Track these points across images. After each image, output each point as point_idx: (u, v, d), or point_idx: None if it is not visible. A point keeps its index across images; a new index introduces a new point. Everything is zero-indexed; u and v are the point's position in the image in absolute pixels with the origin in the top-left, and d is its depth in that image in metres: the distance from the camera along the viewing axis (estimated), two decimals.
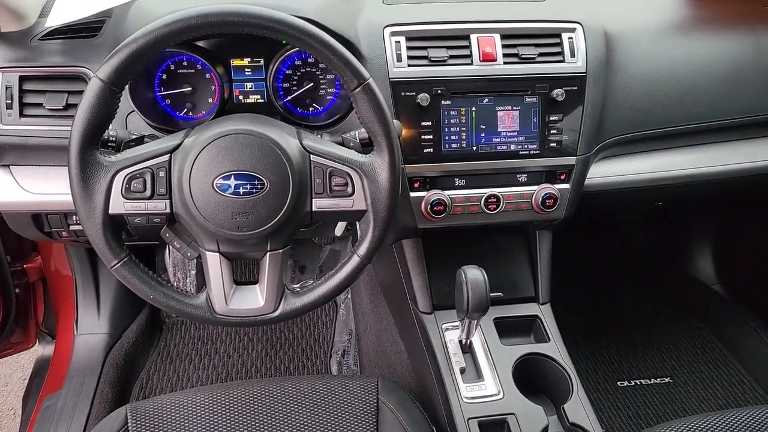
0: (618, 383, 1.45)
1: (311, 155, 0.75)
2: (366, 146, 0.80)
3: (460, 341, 1.03)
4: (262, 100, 1.00)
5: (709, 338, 1.56)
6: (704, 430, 0.89)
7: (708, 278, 1.66)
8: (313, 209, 0.75)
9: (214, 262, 0.75)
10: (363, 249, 0.78)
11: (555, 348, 1.03)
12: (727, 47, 1.12)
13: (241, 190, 0.71)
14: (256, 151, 0.71)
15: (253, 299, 0.78)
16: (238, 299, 0.77)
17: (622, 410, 1.39)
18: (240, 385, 0.94)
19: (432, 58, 0.96)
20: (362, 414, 0.91)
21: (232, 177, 0.70)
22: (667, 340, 1.57)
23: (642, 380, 1.46)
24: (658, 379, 1.46)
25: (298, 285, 1.71)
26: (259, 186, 0.71)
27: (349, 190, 0.75)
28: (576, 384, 0.97)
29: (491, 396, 0.95)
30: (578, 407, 0.94)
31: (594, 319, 1.64)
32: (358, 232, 0.80)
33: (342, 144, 0.82)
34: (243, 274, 1.71)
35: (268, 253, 0.76)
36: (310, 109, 1.01)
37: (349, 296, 1.60)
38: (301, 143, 0.75)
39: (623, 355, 1.53)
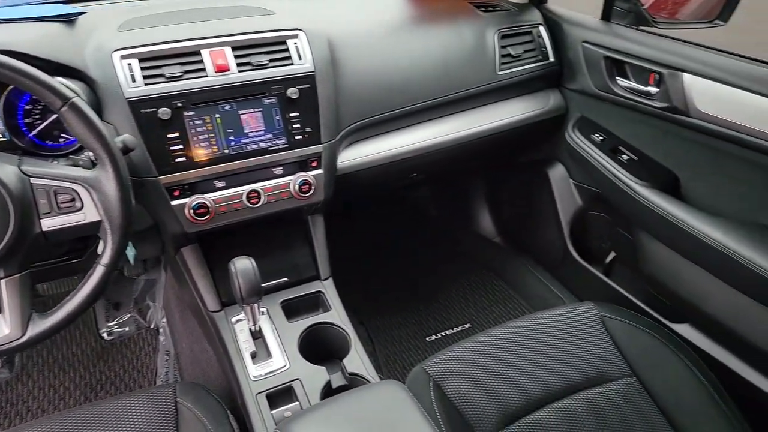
0: (426, 338, 1.63)
1: (31, 178, 0.78)
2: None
3: (251, 329, 1.11)
4: (5, 139, 1.00)
5: (498, 283, 1.81)
6: (473, 346, 1.06)
7: (490, 233, 1.92)
8: (44, 229, 0.79)
9: None
10: (106, 258, 0.82)
11: (336, 315, 1.15)
12: (438, 38, 1.33)
13: None
14: None
15: None
16: None
17: None
18: (32, 425, 0.92)
19: (167, 75, 1.03)
20: (161, 420, 0.95)
21: None
22: (465, 293, 1.79)
23: (446, 331, 1.65)
24: (460, 327, 1.67)
25: (114, 321, 1.67)
26: None
27: (78, 204, 0.80)
28: (353, 340, 1.10)
29: (278, 369, 1.04)
30: (355, 359, 1.06)
31: (404, 286, 1.82)
32: (101, 243, 0.85)
33: (74, 165, 0.86)
34: None
35: (3, 281, 0.77)
36: (60, 139, 1.03)
37: (165, 320, 1.60)
38: (19, 169, 0.78)
39: (430, 313, 1.72)
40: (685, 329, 1.25)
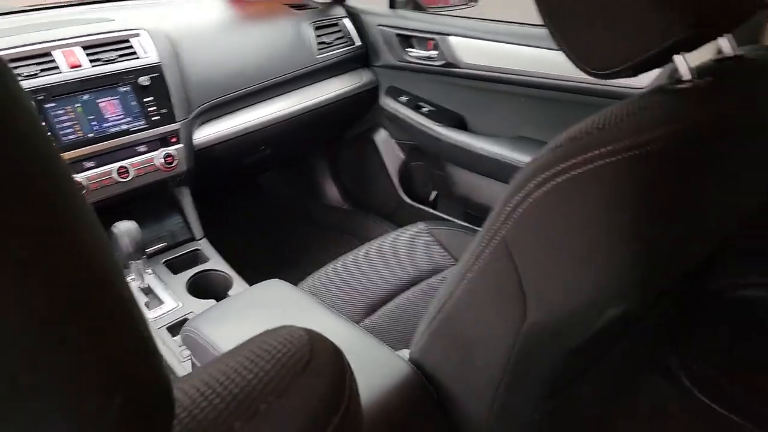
0: None
1: None
2: None
3: (140, 287, 1.26)
4: None
5: (351, 241, 2.08)
6: (334, 267, 1.31)
7: (338, 201, 2.21)
8: None
9: None
10: None
11: (215, 263, 1.35)
12: (263, 32, 1.60)
13: None
14: None
15: None
16: None
17: None
18: None
19: (24, 75, 1.16)
20: None
21: None
22: (325, 255, 2.01)
23: None
24: None
25: None
26: None
27: None
28: (235, 278, 1.30)
29: (172, 309, 1.21)
30: (240, 289, 1.27)
31: (270, 260, 2.03)
32: None
33: None
34: None
35: None
36: None
37: None
38: None
39: (298, 278, 1.94)
40: None
